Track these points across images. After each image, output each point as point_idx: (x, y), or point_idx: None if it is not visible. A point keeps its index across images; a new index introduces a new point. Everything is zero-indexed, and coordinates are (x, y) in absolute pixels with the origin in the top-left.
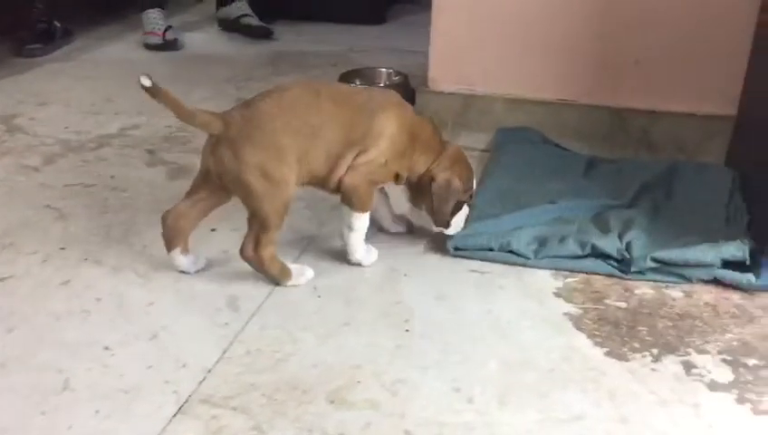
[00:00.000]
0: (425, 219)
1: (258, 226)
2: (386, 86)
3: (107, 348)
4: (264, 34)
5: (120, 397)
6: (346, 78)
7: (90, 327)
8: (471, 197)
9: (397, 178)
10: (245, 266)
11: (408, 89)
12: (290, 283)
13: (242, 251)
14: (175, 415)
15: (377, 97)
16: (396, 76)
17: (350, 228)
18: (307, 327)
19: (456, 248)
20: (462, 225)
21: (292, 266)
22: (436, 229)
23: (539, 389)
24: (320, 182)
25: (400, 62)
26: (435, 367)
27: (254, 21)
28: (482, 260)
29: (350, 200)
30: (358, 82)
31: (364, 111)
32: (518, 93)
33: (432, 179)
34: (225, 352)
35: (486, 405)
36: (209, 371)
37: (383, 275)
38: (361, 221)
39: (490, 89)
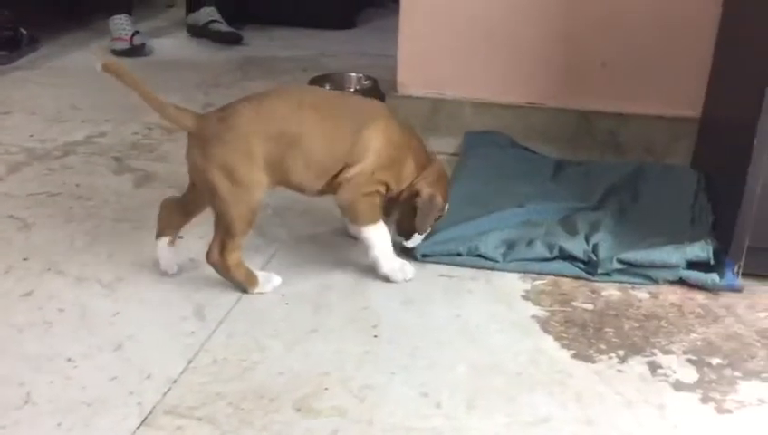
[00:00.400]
0: (389, 226)
1: (224, 230)
2: (356, 91)
3: (70, 360)
4: (233, 40)
5: (82, 410)
6: (316, 83)
7: (52, 339)
8: (440, 216)
9: (387, 188)
10: (213, 274)
11: (378, 93)
12: (256, 290)
13: (207, 256)
14: (138, 427)
15: (364, 109)
16: (366, 81)
17: (368, 245)
18: (274, 335)
19: (424, 255)
20: (421, 239)
21: (259, 273)
22: (397, 237)
23: (507, 392)
24: (296, 188)
25: (370, 67)
26: (403, 372)
27: (222, 27)
28: (450, 265)
29: (354, 217)
30: (328, 87)
31: (350, 125)
32: (486, 97)
33: (417, 194)
34: (190, 361)
35: (454, 410)
36: (174, 381)
37: (351, 282)
38: (375, 233)
39: (458, 93)
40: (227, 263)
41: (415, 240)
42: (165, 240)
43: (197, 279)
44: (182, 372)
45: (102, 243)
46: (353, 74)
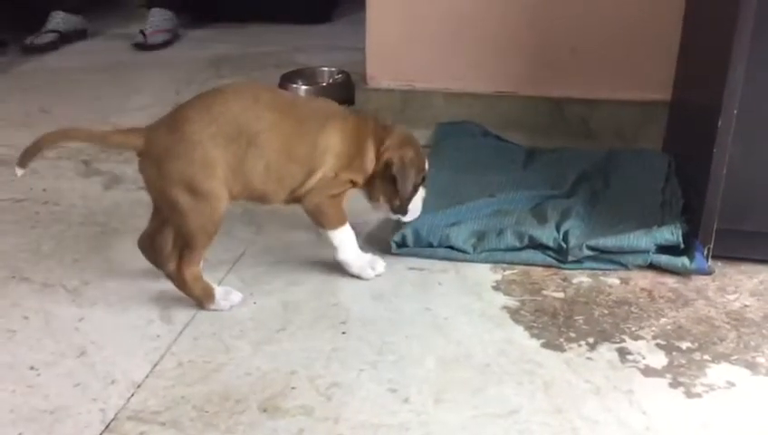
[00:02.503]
0: (383, 209)
1: (183, 243)
2: (328, 85)
3: (32, 368)
4: None
5: (44, 418)
6: (288, 78)
7: (15, 347)
8: (424, 179)
9: (353, 184)
10: None
11: (351, 87)
12: (212, 307)
13: (165, 267)
14: (101, 434)
15: (317, 110)
16: (338, 75)
17: (336, 247)
18: (241, 335)
19: (398, 245)
20: (419, 210)
21: (218, 289)
22: (394, 217)
23: (475, 384)
24: (260, 197)
25: (345, 61)
26: (371, 368)
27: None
28: (421, 257)
29: (319, 221)
30: (300, 83)
31: (307, 127)
32: (456, 87)
33: (387, 165)
34: (155, 365)
35: (422, 404)
36: (139, 386)
37: (319, 278)
38: (340, 236)
39: (428, 84)
40: (184, 276)
41: (412, 213)
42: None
43: (164, 282)
44: (147, 377)
45: (68, 247)
46: (325, 68)
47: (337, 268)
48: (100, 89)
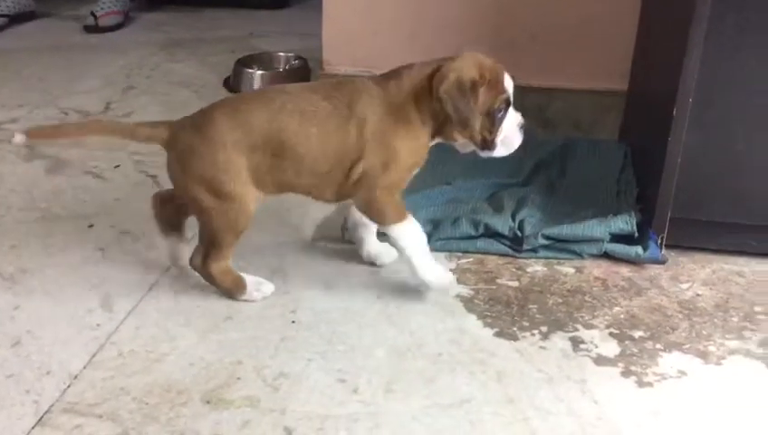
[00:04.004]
0: (470, 149)
1: (208, 240)
2: (284, 71)
3: None
4: None
5: None
6: (243, 63)
7: None
8: (508, 103)
9: (413, 166)
10: (123, 264)
11: (307, 73)
12: (244, 297)
13: (190, 260)
14: (33, 427)
15: (346, 95)
16: (295, 60)
17: (398, 247)
18: (187, 324)
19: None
20: (517, 141)
21: (249, 279)
22: (484, 155)
23: (426, 374)
24: (304, 194)
25: (303, 47)
26: (320, 358)
27: None
28: None
29: (376, 217)
30: (255, 68)
31: (337, 121)
32: None
33: (441, 103)
34: (94, 355)
35: (372, 395)
36: (75, 377)
37: (271, 267)
38: (403, 233)
39: (386, 69)
40: (210, 271)
41: (506, 146)
42: (172, 238)
43: (107, 269)
44: (84, 368)
45: (6, 233)
46: (282, 54)
47: (288, 257)
48: (47, 71)
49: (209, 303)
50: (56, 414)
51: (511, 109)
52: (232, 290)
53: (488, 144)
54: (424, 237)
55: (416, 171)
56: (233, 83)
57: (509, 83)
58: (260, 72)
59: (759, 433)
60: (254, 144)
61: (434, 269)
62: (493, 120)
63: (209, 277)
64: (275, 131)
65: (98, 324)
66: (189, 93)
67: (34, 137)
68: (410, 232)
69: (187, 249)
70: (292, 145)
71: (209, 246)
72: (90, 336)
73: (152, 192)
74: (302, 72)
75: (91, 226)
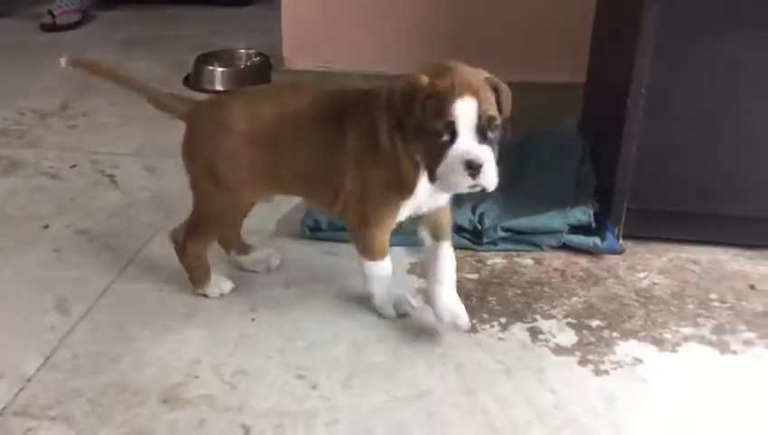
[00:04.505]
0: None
1: (194, 221)
2: (245, 67)
3: None
4: None
5: None
6: (203, 61)
7: None
8: (452, 129)
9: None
10: (79, 264)
11: (268, 69)
12: (200, 291)
13: (173, 232)
14: None
15: (346, 110)
16: (256, 57)
17: (363, 275)
18: (144, 324)
19: (312, 229)
20: (458, 181)
21: (214, 277)
22: (431, 186)
23: (387, 368)
24: (310, 200)
25: (265, 44)
26: (279, 355)
27: None
28: (336, 241)
29: (354, 244)
30: (216, 65)
31: (332, 134)
32: (375, 69)
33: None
34: (48, 358)
35: (331, 390)
36: (28, 380)
37: (231, 263)
38: (372, 270)
39: (346, 65)
40: (185, 250)
41: (441, 181)
42: (232, 254)
43: (63, 270)
44: (38, 370)
45: None
46: (243, 51)
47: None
48: (3, 71)
49: (167, 302)
50: (7, 417)
51: (462, 142)
52: (195, 278)
53: (429, 173)
54: (389, 275)
55: (406, 208)
56: (193, 81)
57: (465, 111)
58: (220, 69)
59: (712, 417)
60: (259, 139)
61: (386, 305)
62: (432, 145)
63: (182, 256)
64: (278, 129)
65: (52, 327)
66: None
67: (76, 65)
68: (379, 271)
69: (250, 259)
70: (289, 149)
71: (194, 227)
72: (44, 339)
73: (109, 191)
74: (263, 68)
75: (46, 226)
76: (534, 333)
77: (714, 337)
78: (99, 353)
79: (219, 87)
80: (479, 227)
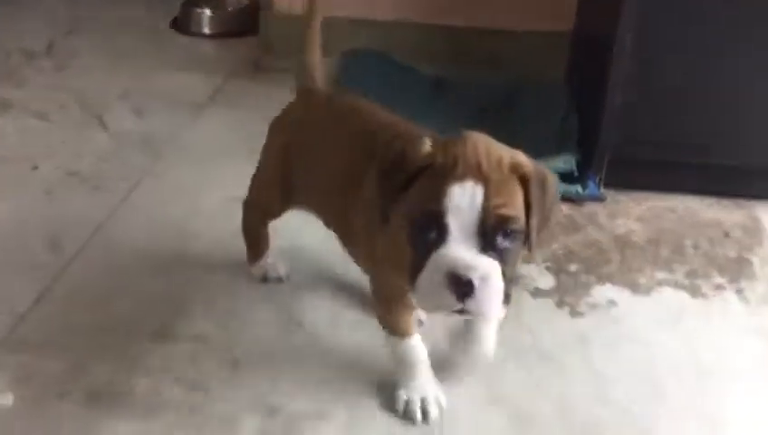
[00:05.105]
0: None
1: (249, 187)
2: (234, 10)
3: None
4: None
5: None
6: (192, 3)
7: None
8: (439, 222)
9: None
10: (70, 204)
11: (256, 13)
12: (251, 268)
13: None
14: None
15: (376, 136)
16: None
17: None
18: (136, 263)
19: None
20: (438, 301)
21: (269, 259)
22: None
23: (370, 309)
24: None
25: None
26: (267, 297)
27: None
28: None
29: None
30: (203, 6)
31: (353, 175)
32: (362, 14)
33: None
34: (42, 295)
35: (315, 328)
36: (23, 316)
37: (221, 203)
38: (396, 348)
39: (332, 10)
40: (243, 215)
41: (418, 294)
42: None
43: (54, 210)
44: (32, 307)
45: None
46: None
47: (237, 198)
48: None
49: (159, 243)
50: (3, 352)
51: (451, 245)
52: (248, 249)
53: (410, 279)
54: (420, 359)
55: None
56: (180, 24)
57: (461, 202)
58: (209, 12)
59: (680, 356)
60: (291, 149)
61: (414, 409)
62: (417, 240)
63: (242, 220)
64: (308, 149)
65: (45, 265)
66: (136, 36)
67: None
68: (405, 351)
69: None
70: (315, 171)
71: (248, 192)
72: (37, 276)
73: (98, 133)
74: (252, 12)
75: (35, 168)
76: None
77: (686, 281)
78: (92, 291)
79: (207, 30)
80: None
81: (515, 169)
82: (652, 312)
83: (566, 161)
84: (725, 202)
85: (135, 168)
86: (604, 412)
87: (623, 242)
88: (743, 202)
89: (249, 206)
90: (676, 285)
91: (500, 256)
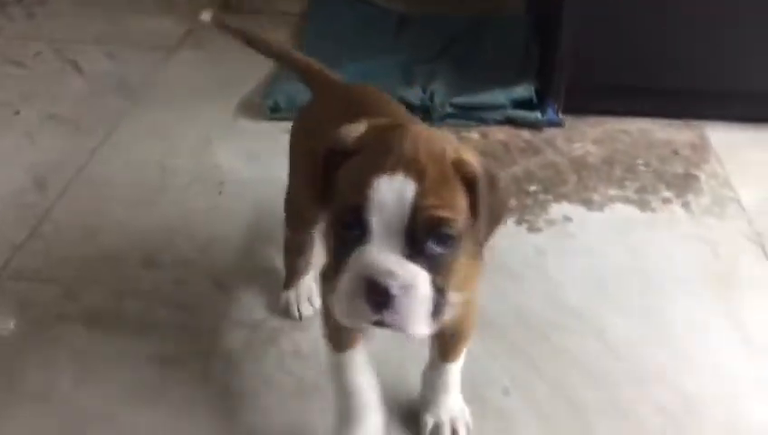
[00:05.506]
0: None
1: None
2: None
3: None
4: None
5: None
6: None
7: None
8: (359, 217)
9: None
10: (52, 146)
11: None
12: (282, 295)
13: None
14: None
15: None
16: None
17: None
18: (120, 198)
19: (272, 110)
20: (355, 311)
21: (303, 288)
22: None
23: None
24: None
25: None
26: (246, 224)
27: None
28: None
29: None
30: None
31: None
32: None
33: None
34: (34, 230)
35: None
36: (18, 248)
37: (197, 141)
38: (329, 359)
39: None
40: (284, 234)
41: (337, 301)
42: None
43: (37, 153)
44: (26, 240)
45: None
46: None
47: (213, 133)
48: None
49: (140, 180)
50: (3, 280)
51: (372, 247)
52: (285, 269)
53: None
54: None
55: None
56: None
57: (386, 198)
58: None
59: (629, 263)
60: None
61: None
62: (338, 238)
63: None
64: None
65: (34, 202)
66: None
67: (217, 24)
68: (335, 365)
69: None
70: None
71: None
72: (27, 214)
73: (74, 78)
74: None
75: (17, 112)
76: None
77: (636, 197)
78: (80, 226)
79: None
80: (429, 103)
81: (459, 166)
82: (604, 226)
83: (526, 89)
84: (677, 123)
85: (112, 110)
86: (558, 316)
87: (579, 163)
88: (693, 123)
89: (285, 215)
90: (627, 201)
91: (430, 263)
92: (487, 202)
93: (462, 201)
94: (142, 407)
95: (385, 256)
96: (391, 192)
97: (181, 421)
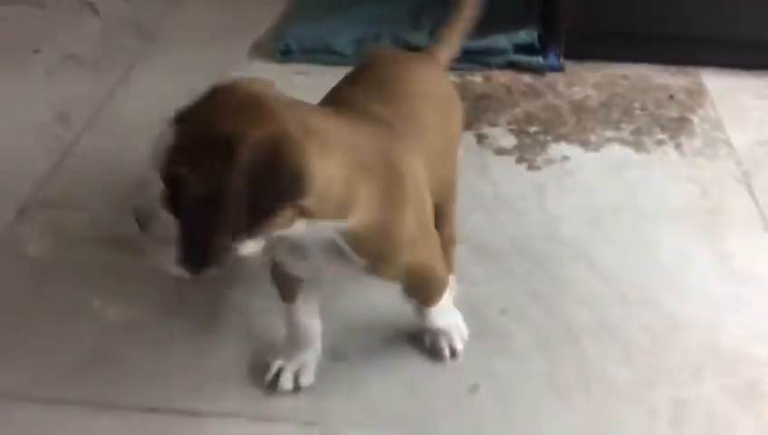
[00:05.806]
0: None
1: None
2: None
3: None
4: None
5: None
6: None
7: None
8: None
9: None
10: (72, 84)
11: None
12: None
13: None
14: (15, 218)
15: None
16: None
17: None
18: (143, 133)
19: (283, 52)
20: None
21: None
22: None
23: None
24: None
25: None
26: None
27: None
28: (306, 63)
29: None
30: None
31: None
32: None
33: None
34: (60, 161)
35: None
36: (47, 178)
37: (212, 80)
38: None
39: None
40: None
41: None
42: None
43: (58, 89)
44: (53, 171)
45: None
46: None
47: (225, 75)
48: None
49: (159, 116)
50: (34, 207)
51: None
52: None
53: None
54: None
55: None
56: None
57: (157, 144)
58: None
59: (622, 200)
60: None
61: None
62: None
63: None
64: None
65: (58, 136)
66: None
67: None
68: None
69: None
70: None
71: None
72: (52, 147)
73: (90, 19)
74: None
75: (36, 51)
76: (481, 138)
77: (632, 138)
78: (104, 158)
79: None
80: None
81: (224, 136)
82: (600, 165)
83: (528, 34)
84: (674, 69)
85: (128, 50)
86: (554, 247)
87: (578, 106)
88: (690, 69)
89: None
90: (623, 142)
91: (177, 212)
92: (241, 186)
93: (219, 168)
94: (169, 319)
95: (150, 188)
96: (160, 139)
97: (205, 332)
